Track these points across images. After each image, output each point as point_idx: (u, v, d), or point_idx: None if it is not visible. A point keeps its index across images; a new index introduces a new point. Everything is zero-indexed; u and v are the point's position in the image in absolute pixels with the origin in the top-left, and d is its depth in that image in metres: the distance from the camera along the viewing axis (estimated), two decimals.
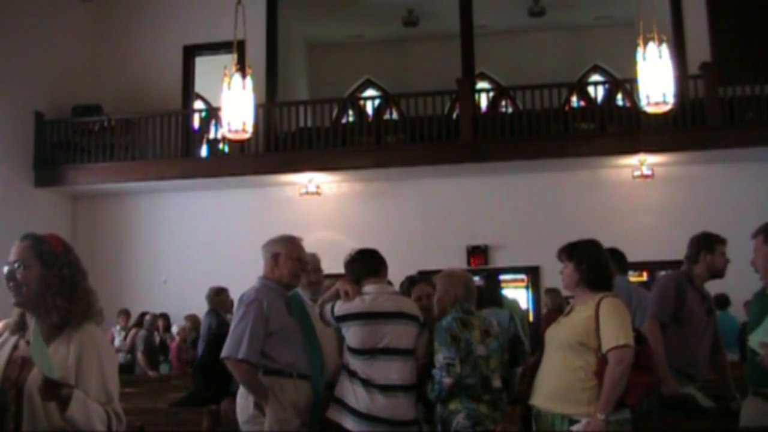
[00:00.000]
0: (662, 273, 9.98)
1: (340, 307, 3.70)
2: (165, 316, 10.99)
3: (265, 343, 3.62)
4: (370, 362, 3.59)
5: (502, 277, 10.61)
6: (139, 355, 9.90)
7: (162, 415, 5.39)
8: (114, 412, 2.25)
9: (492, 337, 3.69)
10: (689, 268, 4.31)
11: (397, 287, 6.70)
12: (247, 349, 3.56)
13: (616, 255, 5.35)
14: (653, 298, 4.32)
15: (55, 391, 2.09)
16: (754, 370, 3.30)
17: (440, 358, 3.56)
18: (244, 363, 3.57)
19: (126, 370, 10.04)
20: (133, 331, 10.54)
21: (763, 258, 3.39)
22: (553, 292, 8.57)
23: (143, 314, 10.82)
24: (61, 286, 2.31)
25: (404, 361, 3.62)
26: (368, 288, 3.75)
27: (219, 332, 6.99)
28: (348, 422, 3.57)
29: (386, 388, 3.56)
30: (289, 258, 3.83)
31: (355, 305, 3.68)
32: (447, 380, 3.51)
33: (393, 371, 3.58)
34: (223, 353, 3.65)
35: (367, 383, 3.58)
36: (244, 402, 3.72)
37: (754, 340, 3.25)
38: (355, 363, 3.62)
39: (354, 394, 3.59)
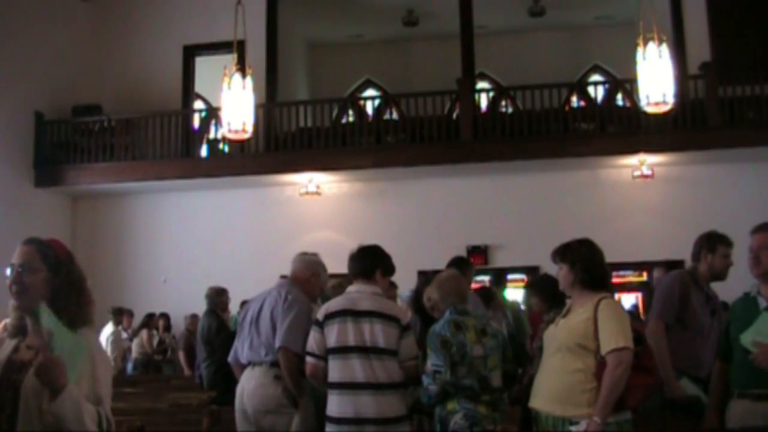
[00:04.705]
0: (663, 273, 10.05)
1: (323, 307, 3.81)
2: (165, 316, 11.01)
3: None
4: (352, 361, 3.62)
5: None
6: (180, 354, 9.86)
7: (162, 415, 5.40)
8: (104, 413, 2.26)
9: (489, 336, 3.68)
10: (694, 267, 4.29)
11: (400, 286, 6.74)
12: (302, 345, 3.86)
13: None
14: (657, 299, 4.27)
15: (54, 372, 2.08)
16: (742, 371, 3.26)
17: (428, 365, 3.59)
18: (298, 357, 3.88)
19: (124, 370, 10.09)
20: (145, 333, 10.52)
21: None
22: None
23: (150, 315, 10.83)
24: (70, 290, 2.34)
25: (383, 360, 3.62)
26: (352, 288, 3.84)
27: (228, 336, 7.00)
28: (329, 427, 3.65)
29: (367, 386, 3.58)
30: (322, 282, 4.35)
31: (337, 303, 3.76)
32: (432, 388, 3.56)
33: (376, 369, 3.59)
34: (283, 343, 3.94)
35: (347, 385, 3.60)
36: (272, 392, 3.97)
37: (746, 339, 3.23)
38: (333, 364, 3.66)
39: (332, 399, 3.65)
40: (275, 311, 4.06)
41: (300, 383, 3.92)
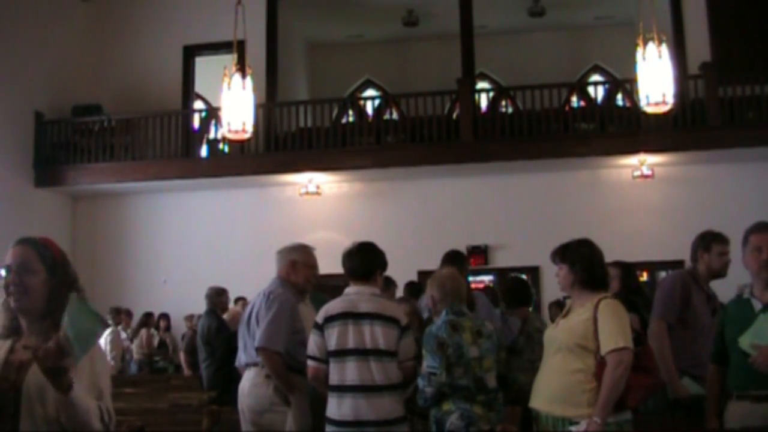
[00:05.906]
0: (662, 273, 10.06)
1: (323, 310, 3.77)
2: (165, 316, 11.01)
3: (288, 341, 3.96)
4: (348, 363, 3.61)
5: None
6: (181, 354, 9.84)
7: (162, 415, 5.40)
8: (106, 408, 2.26)
9: (484, 338, 3.67)
10: (693, 267, 4.33)
11: (401, 286, 6.72)
12: (283, 343, 3.92)
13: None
14: (659, 299, 4.30)
15: (63, 363, 2.05)
16: (741, 372, 3.27)
17: (424, 366, 3.58)
18: (279, 355, 3.90)
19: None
20: (144, 333, 10.52)
21: None
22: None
23: (148, 314, 10.84)
24: (67, 289, 2.32)
25: (383, 361, 3.61)
26: (350, 289, 3.81)
27: (228, 336, 7.00)
28: (329, 428, 3.63)
29: (365, 389, 3.57)
30: (305, 265, 4.21)
31: (337, 306, 3.73)
32: (428, 390, 3.55)
33: (373, 371, 3.59)
34: (260, 343, 3.95)
35: (345, 388, 3.60)
36: (264, 391, 3.99)
37: (744, 342, 3.24)
38: (333, 367, 3.65)
39: (332, 402, 3.64)
40: (259, 312, 4.09)
41: (288, 381, 3.93)
